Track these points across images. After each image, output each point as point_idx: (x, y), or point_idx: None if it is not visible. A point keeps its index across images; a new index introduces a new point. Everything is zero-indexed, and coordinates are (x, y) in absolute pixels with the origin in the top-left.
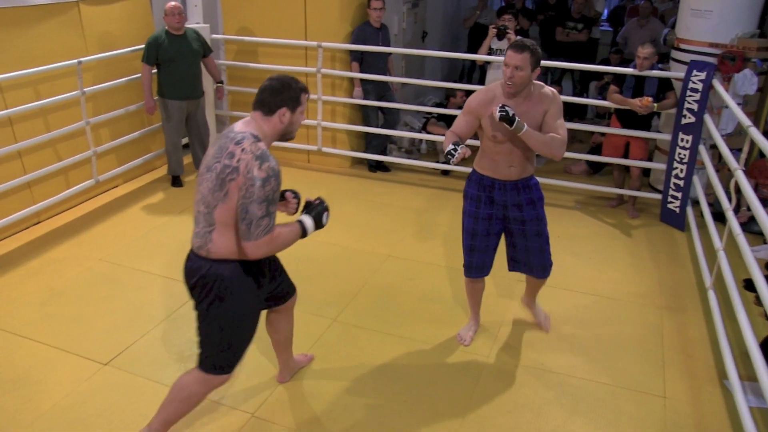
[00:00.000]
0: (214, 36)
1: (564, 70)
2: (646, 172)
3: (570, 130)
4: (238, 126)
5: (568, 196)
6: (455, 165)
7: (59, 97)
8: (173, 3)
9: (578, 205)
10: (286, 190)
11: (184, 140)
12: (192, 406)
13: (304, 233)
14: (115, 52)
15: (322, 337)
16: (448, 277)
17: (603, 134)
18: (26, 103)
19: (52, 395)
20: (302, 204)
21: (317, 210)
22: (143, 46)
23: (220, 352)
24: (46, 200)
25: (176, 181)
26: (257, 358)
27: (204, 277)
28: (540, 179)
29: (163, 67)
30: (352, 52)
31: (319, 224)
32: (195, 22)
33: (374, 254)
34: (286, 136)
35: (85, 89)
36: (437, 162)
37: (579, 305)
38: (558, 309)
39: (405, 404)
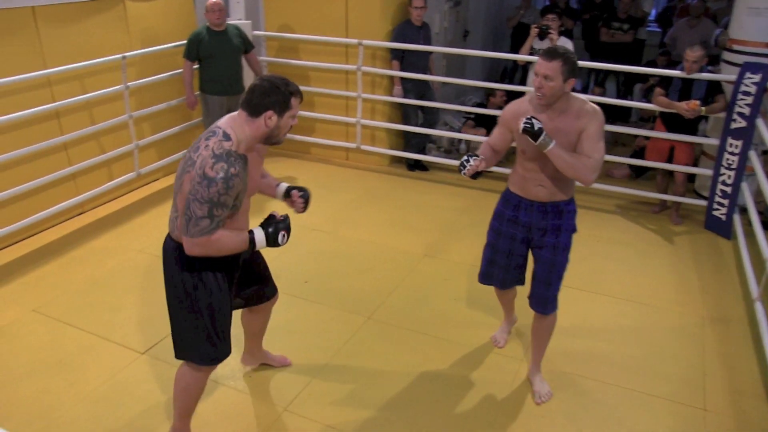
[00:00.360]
0: (256, 32)
1: (608, 72)
2: (691, 177)
3: (613, 134)
4: (222, 120)
5: (608, 200)
6: (469, 176)
7: (104, 90)
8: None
9: (619, 209)
10: (293, 188)
11: None
12: (194, 396)
13: (252, 245)
14: (158, 47)
15: (357, 334)
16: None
17: (647, 138)
18: (73, 97)
19: (92, 380)
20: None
21: (275, 227)
22: (185, 41)
23: (203, 342)
24: (89, 191)
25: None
26: (289, 354)
27: (174, 260)
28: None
29: (204, 62)
30: (392, 50)
31: (272, 242)
32: (237, 19)
33: (410, 253)
34: (271, 140)
35: (129, 84)
36: None
37: (617, 312)
38: (595, 315)
39: (438, 404)
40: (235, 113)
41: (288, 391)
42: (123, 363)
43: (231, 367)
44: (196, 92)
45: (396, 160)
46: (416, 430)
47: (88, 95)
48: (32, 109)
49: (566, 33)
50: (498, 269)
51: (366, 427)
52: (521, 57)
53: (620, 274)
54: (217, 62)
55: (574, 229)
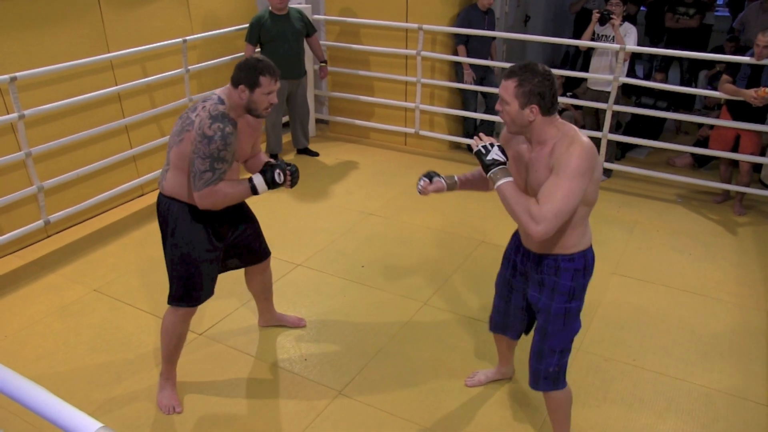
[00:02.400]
0: (316, 16)
1: (672, 58)
2: (757, 167)
3: (675, 122)
4: (218, 89)
5: (670, 189)
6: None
7: (165, 74)
8: None
9: (680, 199)
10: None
11: (284, 119)
12: (172, 338)
13: (254, 191)
14: (218, 31)
15: (413, 319)
16: None
17: (711, 127)
18: (134, 80)
19: (150, 360)
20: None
21: (272, 169)
22: (246, 25)
23: (175, 284)
24: (149, 173)
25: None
26: (345, 337)
27: (159, 212)
28: (640, 170)
29: (265, 46)
30: (457, 35)
31: (271, 182)
32: (297, 3)
33: (468, 239)
34: (251, 112)
35: (190, 67)
36: None
37: (677, 303)
38: (653, 304)
39: (493, 390)
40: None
41: (343, 375)
42: None
43: (288, 351)
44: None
45: (455, 146)
46: (470, 415)
47: (149, 78)
48: (95, 92)
49: (630, 18)
50: (496, 314)
51: (420, 413)
52: (581, 42)
53: (680, 265)
54: (278, 46)
55: (573, 293)
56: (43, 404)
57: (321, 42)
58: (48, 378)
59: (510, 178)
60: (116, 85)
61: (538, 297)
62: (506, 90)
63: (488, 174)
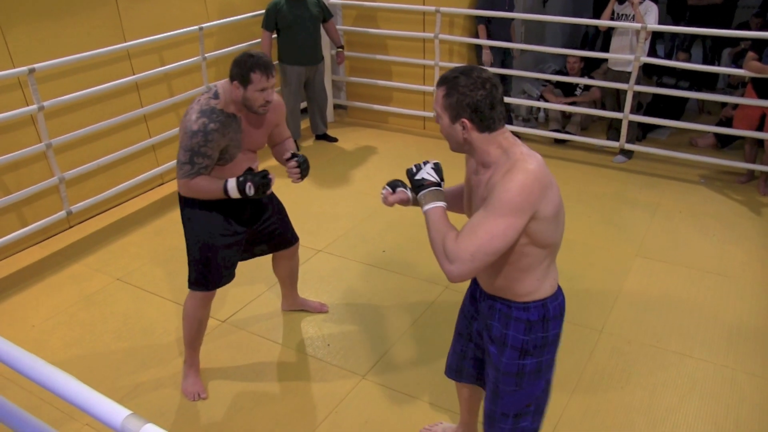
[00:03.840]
0: (332, 1)
1: (694, 36)
2: None
3: (698, 101)
4: (220, 82)
5: (693, 170)
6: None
7: (182, 62)
8: None
9: (703, 179)
10: (292, 155)
11: (303, 105)
12: (193, 323)
13: (227, 193)
14: (235, 17)
15: (435, 303)
16: (564, 249)
17: (734, 107)
18: (151, 69)
19: (174, 347)
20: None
21: (245, 179)
22: (263, 11)
23: (193, 269)
24: (169, 162)
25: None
26: (368, 322)
27: (179, 198)
28: (662, 151)
29: (282, 32)
30: (478, 16)
31: (241, 191)
32: None
33: None
34: (248, 108)
35: (207, 54)
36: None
37: (699, 284)
38: (676, 286)
39: None
40: None
41: (367, 359)
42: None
43: (311, 336)
44: (274, 62)
45: None
46: None
47: (166, 67)
48: (113, 82)
49: None
50: (453, 355)
51: (444, 396)
52: (600, 22)
53: (704, 246)
54: (295, 32)
55: (527, 349)
56: (73, 392)
57: (338, 27)
58: (75, 366)
59: (438, 204)
60: (134, 74)
61: (489, 347)
62: (436, 101)
63: (417, 196)
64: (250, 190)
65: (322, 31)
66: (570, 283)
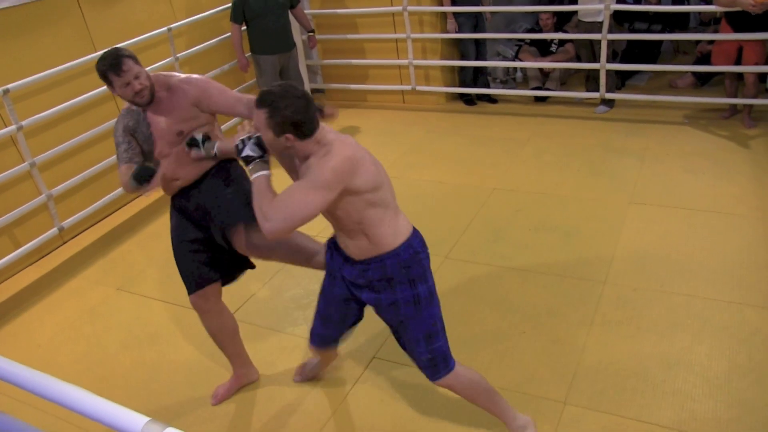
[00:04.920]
0: None
1: None
2: (763, 77)
3: (672, 42)
4: None
5: (675, 112)
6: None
7: (155, 65)
8: None
9: (687, 120)
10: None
11: None
12: (209, 331)
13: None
14: (202, 14)
15: (436, 274)
16: (558, 205)
17: (710, 43)
18: None
19: (183, 349)
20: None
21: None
22: (230, 5)
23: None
24: None
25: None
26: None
27: None
28: (643, 96)
29: (251, 23)
30: None
31: (133, 178)
32: None
33: (480, 188)
34: (131, 102)
35: (178, 54)
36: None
37: (697, 223)
38: (674, 229)
39: (524, 335)
40: None
41: (376, 338)
42: None
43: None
44: (246, 54)
45: (453, 97)
46: (506, 362)
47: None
48: (89, 93)
49: None
50: (319, 321)
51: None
52: None
53: (697, 185)
54: (264, 21)
55: (413, 281)
56: (90, 406)
57: (306, 11)
58: (86, 380)
59: (265, 172)
60: None
61: (378, 296)
62: (258, 119)
63: (247, 168)
64: (132, 176)
65: (292, 18)
66: (567, 239)
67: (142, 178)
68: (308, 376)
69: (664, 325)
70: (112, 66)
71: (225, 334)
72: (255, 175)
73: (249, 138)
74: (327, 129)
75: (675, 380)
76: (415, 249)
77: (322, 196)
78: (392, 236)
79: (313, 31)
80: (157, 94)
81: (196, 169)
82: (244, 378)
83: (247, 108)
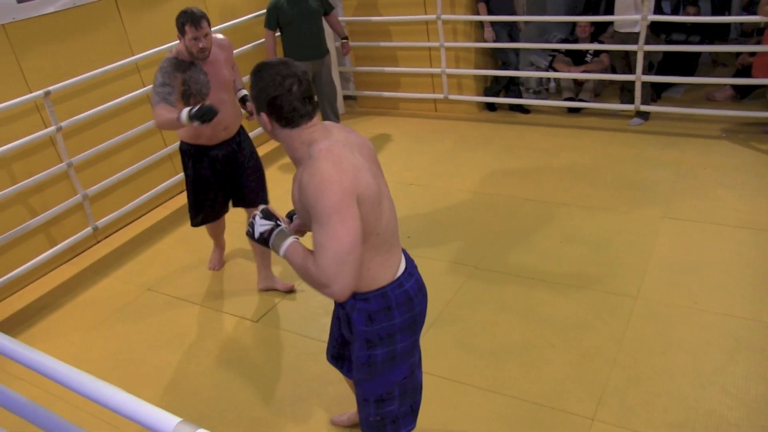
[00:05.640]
0: None
1: None
2: None
3: (711, 54)
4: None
5: (712, 125)
6: None
7: None
8: None
9: (725, 133)
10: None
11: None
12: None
13: (179, 119)
14: (237, 20)
15: (465, 284)
16: (589, 217)
17: (751, 55)
18: None
19: (211, 352)
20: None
21: (192, 109)
22: (264, 12)
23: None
24: None
25: None
26: None
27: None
28: (679, 109)
29: (285, 30)
30: None
31: (189, 117)
32: None
33: (511, 198)
34: (190, 56)
35: None
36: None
37: (733, 240)
38: (709, 244)
39: (554, 348)
40: None
41: None
42: (239, 332)
43: None
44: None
45: (485, 107)
46: (533, 375)
47: None
48: (125, 96)
49: None
50: (330, 337)
51: (482, 377)
52: None
53: (734, 201)
54: (297, 28)
55: (372, 340)
56: (123, 404)
57: (339, 18)
58: (116, 378)
59: (289, 241)
60: (144, 86)
61: (350, 334)
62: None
63: (270, 246)
64: (197, 113)
65: (326, 25)
66: (598, 251)
67: (208, 117)
68: (347, 423)
69: (697, 343)
70: (192, 20)
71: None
72: (281, 250)
73: (253, 218)
74: (326, 136)
75: (709, 401)
76: (389, 302)
77: (346, 217)
78: (372, 275)
79: (346, 38)
80: (212, 49)
81: (239, 124)
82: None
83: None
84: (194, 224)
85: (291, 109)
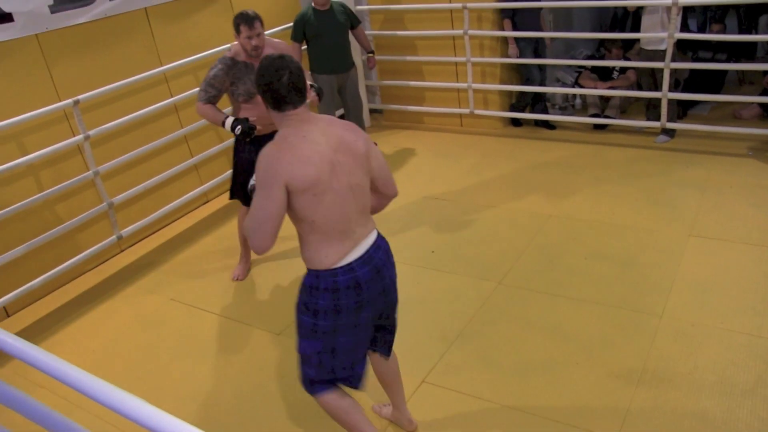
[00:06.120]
0: (359, 7)
1: (727, 7)
2: None
3: (737, 72)
4: None
5: (739, 143)
6: None
7: None
8: None
9: (752, 152)
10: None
11: (340, 112)
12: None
13: (223, 125)
14: (265, 32)
15: (489, 300)
16: (614, 234)
17: None
18: (188, 90)
19: (234, 363)
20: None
21: (237, 122)
22: (290, 24)
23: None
24: (212, 180)
25: None
26: (423, 324)
27: None
28: (706, 127)
29: (311, 42)
30: (503, 9)
31: (231, 128)
32: None
33: (536, 214)
34: (246, 53)
35: None
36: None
37: (761, 259)
38: (736, 263)
39: (578, 366)
40: None
41: (425, 362)
42: (261, 344)
43: None
44: (306, 72)
45: (510, 122)
46: (557, 393)
47: None
48: (153, 106)
49: None
50: None
51: (505, 394)
52: (627, 3)
53: (760, 220)
54: (323, 41)
55: (301, 307)
56: (146, 416)
57: (366, 32)
58: (138, 388)
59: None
60: (171, 96)
61: None
62: None
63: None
64: (237, 130)
65: (352, 39)
66: (623, 269)
67: (242, 137)
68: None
69: (724, 364)
70: (246, 20)
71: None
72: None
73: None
74: (301, 123)
75: (737, 424)
76: (318, 283)
77: (265, 196)
78: (311, 255)
79: (372, 52)
80: (266, 50)
81: None
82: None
83: None
84: (231, 197)
85: (279, 95)
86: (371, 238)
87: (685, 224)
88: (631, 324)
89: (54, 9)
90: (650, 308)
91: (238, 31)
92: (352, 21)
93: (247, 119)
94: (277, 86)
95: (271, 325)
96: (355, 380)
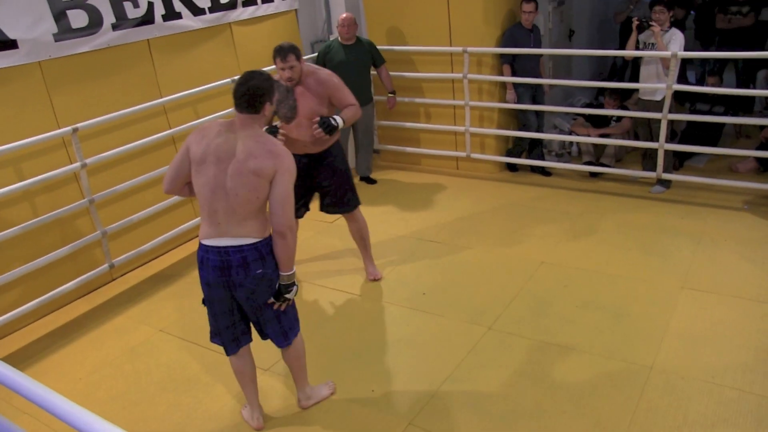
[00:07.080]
0: None
1: (726, 61)
2: None
3: (734, 126)
4: None
5: (735, 196)
6: None
7: (216, 114)
8: (344, 14)
9: (747, 205)
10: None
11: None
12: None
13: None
14: (267, 68)
15: (478, 345)
16: (607, 283)
17: None
18: (187, 123)
19: (220, 397)
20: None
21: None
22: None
23: None
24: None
25: None
26: (411, 367)
27: None
28: (702, 179)
29: None
30: (503, 55)
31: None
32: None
33: (528, 260)
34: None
35: None
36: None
37: (754, 315)
38: (728, 318)
39: (566, 415)
40: None
41: (412, 405)
42: None
43: (355, 382)
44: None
45: (506, 167)
46: None
47: (201, 119)
48: (151, 137)
49: (678, 23)
50: None
51: None
52: (626, 53)
53: (754, 275)
54: (343, 73)
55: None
56: None
57: None
58: (122, 419)
59: None
60: (170, 128)
61: None
62: None
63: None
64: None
65: (371, 76)
66: (614, 318)
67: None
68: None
69: (714, 419)
70: (279, 53)
71: None
72: None
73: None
74: (228, 123)
75: None
76: (198, 250)
77: (179, 153)
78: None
79: (393, 92)
80: (306, 80)
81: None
82: None
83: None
84: None
85: (234, 98)
86: (239, 241)
87: (679, 276)
88: (620, 375)
89: (58, 37)
90: (641, 360)
91: (275, 62)
92: (376, 59)
93: (275, 127)
94: (234, 91)
95: (259, 361)
96: (226, 348)
